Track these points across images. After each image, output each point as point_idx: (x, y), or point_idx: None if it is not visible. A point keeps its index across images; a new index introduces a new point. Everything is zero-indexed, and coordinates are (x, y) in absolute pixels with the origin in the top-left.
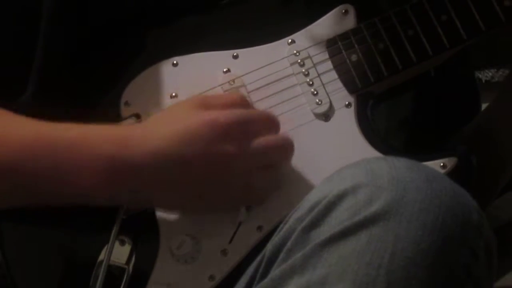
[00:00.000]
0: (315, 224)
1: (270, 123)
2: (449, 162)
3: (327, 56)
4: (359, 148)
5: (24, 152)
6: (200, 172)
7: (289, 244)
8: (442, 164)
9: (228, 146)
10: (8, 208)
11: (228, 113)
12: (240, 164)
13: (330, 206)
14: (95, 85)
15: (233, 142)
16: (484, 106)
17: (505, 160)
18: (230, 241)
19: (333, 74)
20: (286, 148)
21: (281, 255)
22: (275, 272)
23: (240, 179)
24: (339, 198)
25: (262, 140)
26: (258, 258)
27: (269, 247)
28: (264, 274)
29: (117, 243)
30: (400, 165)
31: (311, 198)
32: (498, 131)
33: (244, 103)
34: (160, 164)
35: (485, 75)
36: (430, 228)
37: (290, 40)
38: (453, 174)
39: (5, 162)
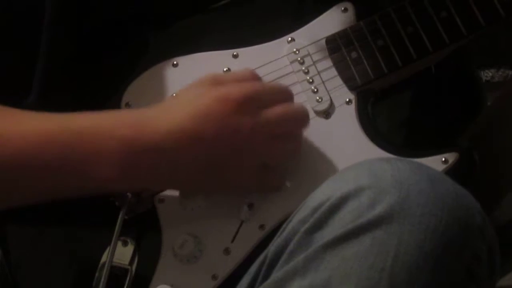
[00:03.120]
0: (318, 226)
1: (282, 93)
2: (451, 157)
3: (326, 53)
4: (360, 145)
5: (35, 145)
6: (216, 147)
7: (291, 245)
8: (443, 159)
9: (242, 120)
10: (19, 207)
11: (239, 86)
12: (256, 136)
13: (333, 209)
14: (97, 86)
15: (246, 114)
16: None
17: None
18: (233, 240)
19: (333, 71)
20: (300, 115)
21: (284, 257)
22: (277, 273)
23: (257, 152)
24: (342, 200)
25: (275, 109)
26: (261, 258)
27: (272, 248)
28: (267, 275)
29: (119, 244)
30: (403, 167)
31: (314, 199)
32: (501, 128)
33: (254, 77)
34: (175, 143)
35: (485, 75)
36: (433, 231)
37: (289, 39)
38: (455, 169)
39: (18, 157)
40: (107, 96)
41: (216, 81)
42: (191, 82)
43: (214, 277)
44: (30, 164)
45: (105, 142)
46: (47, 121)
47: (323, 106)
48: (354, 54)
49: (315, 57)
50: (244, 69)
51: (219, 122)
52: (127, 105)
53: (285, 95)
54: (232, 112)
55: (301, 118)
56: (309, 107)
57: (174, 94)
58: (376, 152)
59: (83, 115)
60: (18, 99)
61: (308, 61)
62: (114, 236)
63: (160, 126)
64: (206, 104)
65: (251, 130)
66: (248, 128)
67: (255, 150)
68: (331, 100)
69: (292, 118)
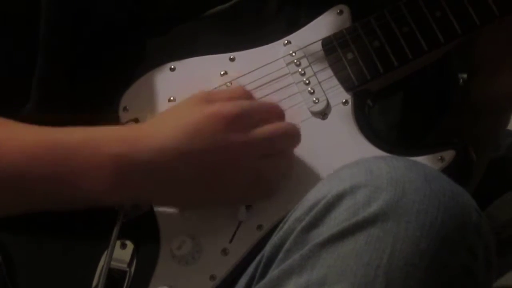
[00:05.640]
0: (314, 224)
1: (274, 112)
2: (447, 155)
3: (323, 55)
4: (357, 145)
5: (28, 158)
6: (208, 165)
7: (287, 244)
8: (440, 157)
9: (233, 137)
10: (13, 215)
11: (231, 104)
12: (248, 153)
13: (329, 207)
14: (94, 92)
15: (238, 132)
16: None
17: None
18: (231, 241)
19: (329, 73)
20: (292, 133)
21: (280, 255)
22: (273, 272)
23: (249, 169)
24: (338, 198)
25: (267, 127)
26: (258, 258)
27: (268, 247)
28: (263, 274)
29: (118, 247)
30: (399, 165)
31: (310, 198)
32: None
33: (246, 95)
34: (167, 160)
35: None
36: (429, 229)
37: (286, 41)
38: (452, 167)
39: (9, 170)
40: (105, 102)
41: (208, 98)
42: (188, 86)
43: (212, 277)
44: (24, 176)
45: (97, 157)
46: (42, 133)
47: (320, 106)
48: (350, 55)
49: (311, 58)
50: (236, 86)
51: (210, 139)
52: (125, 110)
53: (276, 113)
54: (223, 130)
55: (292, 136)
56: (305, 108)
57: (166, 110)
58: (373, 152)
59: (78, 130)
60: (16, 106)
61: (304, 62)
62: (112, 239)
63: (152, 143)
64: (197, 121)
65: (242, 148)
66: (239, 146)
67: (245, 168)
68: (327, 100)
69: (283, 137)
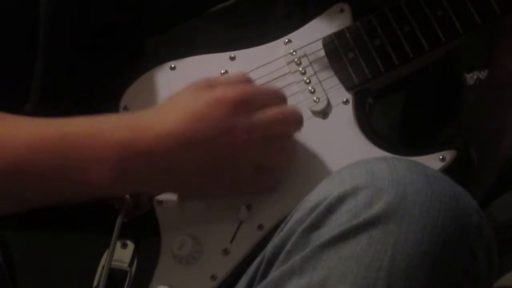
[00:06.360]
0: (315, 226)
1: (276, 96)
2: (448, 154)
3: (323, 54)
4: (358, 145)
5: (31, 152)
6: (211, 150)
7: (289, 245)
8: (441, 157)
9: (236, 121)
10: (17, 212)
11: (233, 88)
12: (252, 137)
13: (330, 208)
14: (95, 91)
15: (241, 116)
16: None
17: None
18: (231, 241)
19: (330, 72)
20: (294, 117)
21: (281, 257)
22: (274, 273)
23: (253, 154)
24: (340, 200)
25: (270, 111)
26: (259, 258)
27: (269, 248)
28: (264, 275)
29: (119, 246)
30: (400, 166)
31: (312, 199)
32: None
33: (247, 80)
34: (171, 147)
35: (484, 74)
36: (430, 230)
37: (286, 40)
38: (453, 167)
39: (13, 165)
40: (105, 101)
41: (210, 84)
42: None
43: (213, 277)
44: (27, 170)
45: (100, 147)
46: (44, 126)
47: (321, 106)
48: (351, 54)
49: (312, 57)
50: (237, 72)
51: (214, 124)
52: (125, 109)
53: (278, 97)
54: (227, 114)
55: (295, 120)
56: (306, 107)
57: (169, 97)
58: (374, 151)
59: (79, 120)
60: (16, 106)
61: (305, 62)
62: (113, 239)
63: (156, 130)
64: (201, 107)
65: (246, 132)
66: (243, 129)
67: (250, 152)
68: (328, 100)
69: (286, 120)
